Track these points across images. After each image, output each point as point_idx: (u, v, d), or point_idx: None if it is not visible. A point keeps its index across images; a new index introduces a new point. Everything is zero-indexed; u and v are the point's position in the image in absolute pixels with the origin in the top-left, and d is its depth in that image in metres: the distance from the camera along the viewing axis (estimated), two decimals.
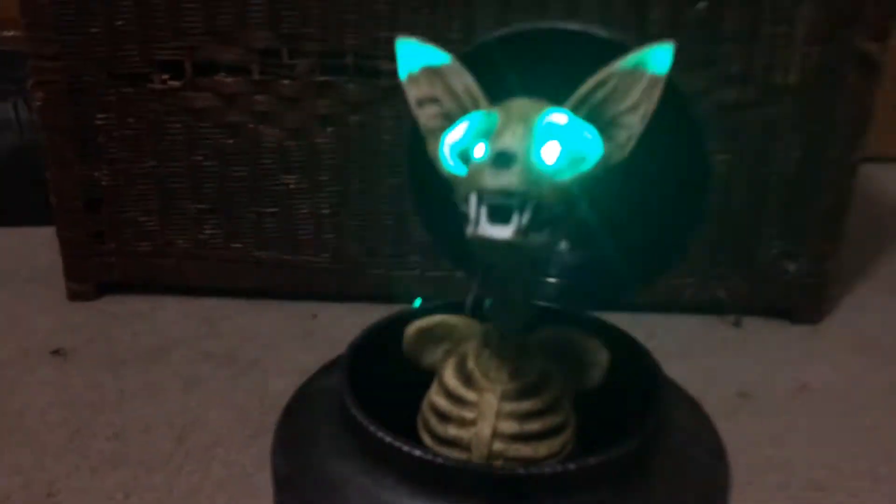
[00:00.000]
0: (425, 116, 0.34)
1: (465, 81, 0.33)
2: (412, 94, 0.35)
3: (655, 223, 0.37)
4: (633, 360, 0.35)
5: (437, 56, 0.33)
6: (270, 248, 0.89)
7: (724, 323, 0.90)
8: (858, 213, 1.11)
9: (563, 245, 0.40)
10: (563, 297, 0.40)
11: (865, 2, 0.74)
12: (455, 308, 0.37)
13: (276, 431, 0.32)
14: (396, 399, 0.32)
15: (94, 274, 0.90)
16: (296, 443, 0.31)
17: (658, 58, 0.31)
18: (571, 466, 0.26)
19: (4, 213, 1.07)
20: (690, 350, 0.85)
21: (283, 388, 0.76)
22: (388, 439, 0.27)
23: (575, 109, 0.31)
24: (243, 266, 0.90)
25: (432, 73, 0.33)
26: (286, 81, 0.81)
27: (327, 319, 0.89)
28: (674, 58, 0.31)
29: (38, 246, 1.02)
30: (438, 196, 0.36)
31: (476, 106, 0.33)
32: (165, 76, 0.81)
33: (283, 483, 0.29)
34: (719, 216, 0.85)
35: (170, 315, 0.89)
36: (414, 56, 0.33)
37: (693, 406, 0.35)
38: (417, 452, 0.27)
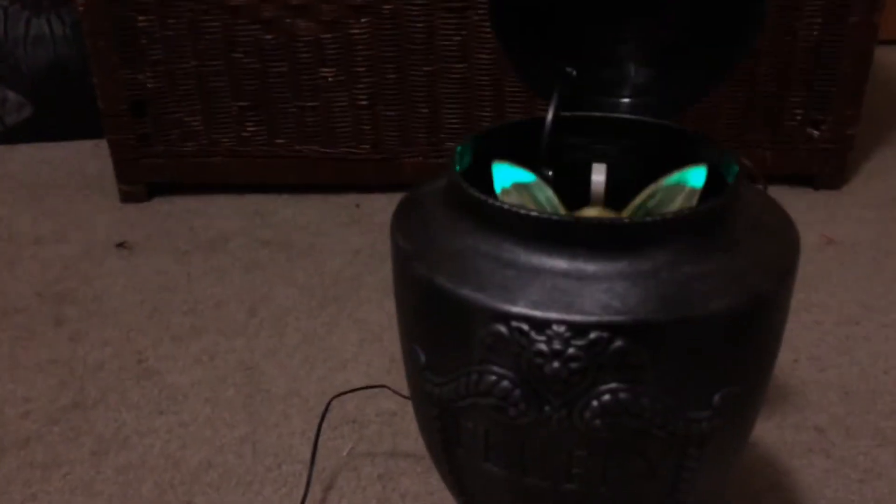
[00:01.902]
0: None
1: (546, 194, 0.39)
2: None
3: (712, 43, 0.41)
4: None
5: (525, 175, 0.39)
6: (311, 143, 0.92)
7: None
8: (876, 90, 1.13)
9: (631, 67, 0.43)
10: (635, 112, 0.43)
11: None
12: (535, 123, 0.41)
13: (394, 222, 0.36)
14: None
15: (144, 175, 0.93)
16: (415, 226, 0.35)
17: (695, 176, 0.38)
18: (669, 216, 0.30)
19: (49, 127, 1.10)
20: None
21: (339, 266, 0.81)
22: (504, 206, 0.31)
23: (632, 215, 0.38)
24: (286, 161, 0.93)
25: (521, 187, 0.39)
26: None
27: (370, 208, 0.93)
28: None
29: (86, 156, 1.06)
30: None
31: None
32: None
33: (410, 257, 0.33)
34: (746, 85, 0.88)
35: (221, 210, 0.92)
36: (506, 175, 0.39)
37: (762, 192, 0.39)
38: (533, 213, 0.31)
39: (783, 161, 0.93)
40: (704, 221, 0.32)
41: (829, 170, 0.93)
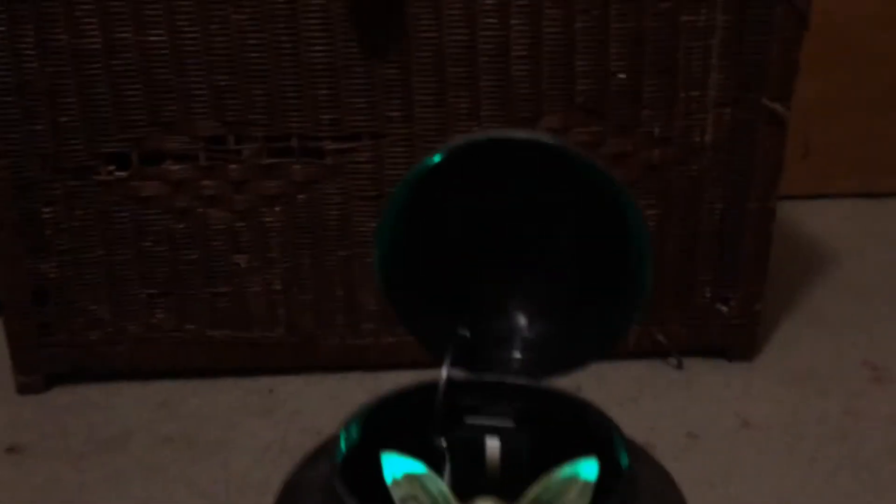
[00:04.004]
0: None
1: (439, 487, 0.39)
2: (396, 494, 0.40)
3: (602, 307, 0.41)
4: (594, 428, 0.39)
5: (416, 466, 0.39)
6: (224, 327, 0.90)
7: (667, 365, 0.94)
8: (775, 250, 1.18)
9: (524, 323, 0.43)
10: (526, 369, 0.43)
11: (768, 67, 0.81)
12: (425, 390, 0.40)
13: None
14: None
15: (43, 365, 0.89)
16: None
17: (587, 469, 0.38)
18: None
19: None
20: (640, 393, 0.89)
21: (247, 466, 0.77)
22: None
23: None
24: (197, 346, 0.90)
25: (413, 478, 0.39)
26: (233, 166, 0.83)
27: (284, 393, 0.90)
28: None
29: None
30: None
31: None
32: (111, 167, 0.82)
33: None
34: (656, 267, 0.90)
35: (125, 401, 0.88)
36: (396, 465, 0.39)
37: (656, 467, 0.38)
38: None
39: (697, 336, 0.94)
40: None
41: (740, 343, 0.95)
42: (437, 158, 0.40)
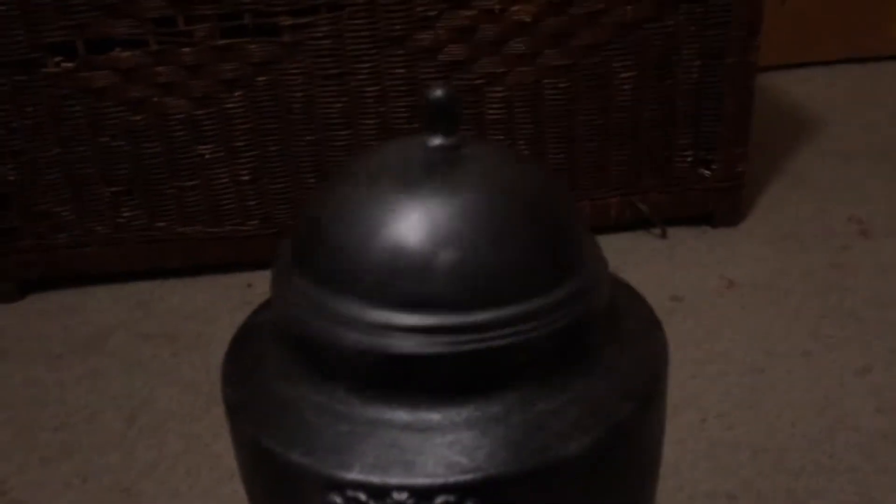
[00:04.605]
0: None
1: None
2: None
3: None
4: None
5: None
6: (195, 223, 0.87)
7: (651, 235, 0.93)
8: (761, 120, 1.15)
9: None
10: None
11: None
12: None
13: (224, 365, 0.32)
14: None
15: (13, 273, 0.87)
16: (243, 371, 0.31)
17: None
18: (520, 338, 0.27)
19: None
20: (623, 264, 0.87)
21: None
22: (336, 336, 0.28)
23: None
24: (169, 244, 0.88)
25: None
26: (186, 49, 0.79)
27: (264, 286, 0.88)
28: None
29: None
30: None
31: None
32: (58, 58, 0.78)
33: (235, 410, 0.29)
34: (633, 133, 0.87)
35: (100, 304, 0.86)
36: None
37: (625, 287, 0.36)
38: (370, 353, 0.28)
39: (679, 203, 0.92)
40: (560, 345, 0.29)
41: (724, 208, 0.93)
42: None
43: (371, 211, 0.30)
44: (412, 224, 0.29)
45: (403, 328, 0.27)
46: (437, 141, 0.31)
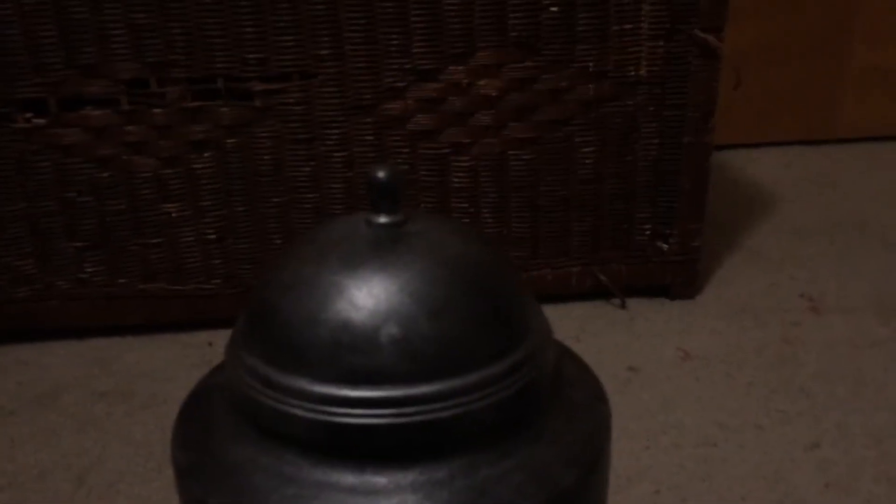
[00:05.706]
0: None
1: None
2: None
3: None
4: None
5: None
6: (158, 280, 0.87)
7: (611, 305, 0.94)
8: (718, 196, 1.19)
9: None
10: None
11: None
12: None
13: (175, 427, 0.32)
14: None
15: None
16: (194, 434, 0.31)
17: None
18: (464, 409, 0.28)
19: None
20: (583, 333, 0.89)
21: None
22: (285, 408, 0.28)
23: None
24: (131, 301, 0.88)
25: None
26: (157, 110, 0.80)
27: (224, 345, 0.88)
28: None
29: None
30: None
31: None
32: (29, 114, 0.79)
33: (185, 473, 0.30)
34: (594, 205, 0.90)
35: (57, 360, 0.85)
36: None
37: (573, 358, 0.37)
38: (316, 428, 0.28)
39: (638, 275, 0.94)
40: (505, 414, 0.30)
41: (681, 281, 0.96)
42: None
43: (316, 290, 0.31)
44: (356, 301, 0.30)
45: (349, 401, 0.28)
46: (381, 219, 0.33)
